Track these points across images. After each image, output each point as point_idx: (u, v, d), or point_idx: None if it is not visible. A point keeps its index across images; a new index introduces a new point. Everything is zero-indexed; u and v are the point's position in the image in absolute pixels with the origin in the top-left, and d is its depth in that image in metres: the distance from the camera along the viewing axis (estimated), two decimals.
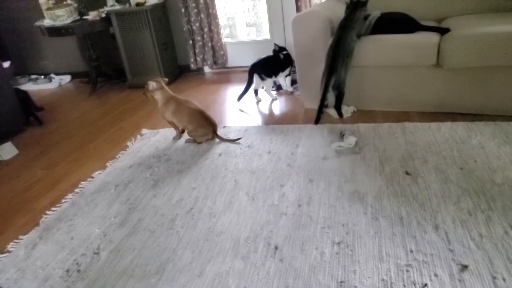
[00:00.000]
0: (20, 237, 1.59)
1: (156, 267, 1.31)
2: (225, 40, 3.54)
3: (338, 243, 1.29)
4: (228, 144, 2.13)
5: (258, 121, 2.43)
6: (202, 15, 3.32)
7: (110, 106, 3.13)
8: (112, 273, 1.31)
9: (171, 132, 2.36)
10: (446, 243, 1.23)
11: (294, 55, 2.39)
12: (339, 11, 2.37)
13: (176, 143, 2.24)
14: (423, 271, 1.14)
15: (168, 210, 1.61)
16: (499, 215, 1.31)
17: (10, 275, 1.37)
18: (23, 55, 4.25)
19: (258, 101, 2.75)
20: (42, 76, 4.11)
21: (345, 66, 2.06)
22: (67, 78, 4.12)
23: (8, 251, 1.51)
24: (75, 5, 3.36)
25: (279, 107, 2.61)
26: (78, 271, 1.34)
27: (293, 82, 2.80)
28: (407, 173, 1.62)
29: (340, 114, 2.18)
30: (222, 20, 3.52)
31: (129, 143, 2.33)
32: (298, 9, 3.13)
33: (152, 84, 2.16)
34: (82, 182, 1.95)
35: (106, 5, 3.46)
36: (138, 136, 2.41)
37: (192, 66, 3.59)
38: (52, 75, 4.13)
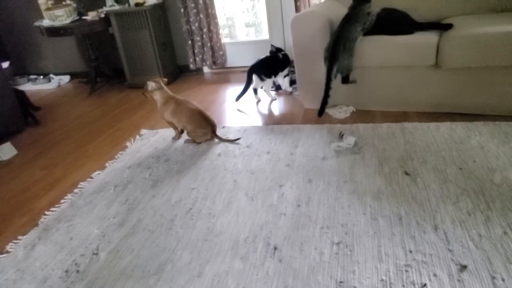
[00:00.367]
0: (19, 237, 1.59)
1: (155, 267, 1.31)
2: (224, 40, 3.55)
3: (337, 243, 1.29)
4: (227, 144, 2.13)
5: (257, 121, 2.43)
6: (201, 15, 3.33)
7: (109, 106, 3.13)
8: (111, 273, 1.31)
9: (170, 132, 2.36)
10: (445, 243, 1.23)
11: (293, 55, 2.39)
12: (338, 11, 2.37)
13: (175, 144, 2.24)
14: (422, 271, 1.14)
15: (167, 211, 1.61)
16: (498, 215, 1.31)
17: (9, 276, 1.37)
18: (22, 56, 4.25)
19: (258, 100, 2.75)
20: (41, 76, 4.11)
21: (348, 53, 2.05)
22: (66, 78, 4.12)
23: (7, 252, 1.51)
24: (74, 5, 3.36)
25: (278, 107, 2.61)
26: (77, 271, 1.34)
27: (292, 82, 2.80)
28: (406, 173, 1.62)
29: (348, 81, 2.17)
30: (221, 20, 3.52)
31: (128, 144, 2.33)
32: (297, 9, 3.13)
33: (151, 85, 2.16)
34: (81, 183, 1.94)
35: (105, 5, 3.46)
36: (137, 137, 2.41)
37: (191, 66, 3.59)
38: (51, 75, 4.13)
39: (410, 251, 1.21)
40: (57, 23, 3.24)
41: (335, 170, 1.72)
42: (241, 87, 2.71)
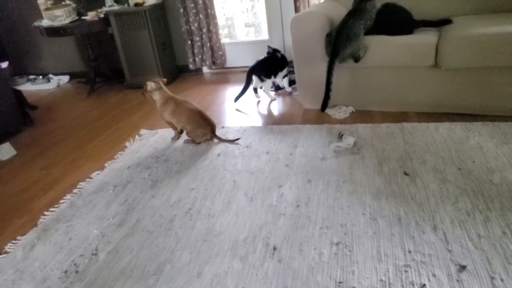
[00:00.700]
0: (18, 238, 1.58)
1: (154, 268, 1.31)
2: (224, 40, 3.55)
3: (337, 244, 1.29)
4: (226, 144, 2.13)
5: (256, 121, 2.43)
6: (200, 16, 3.32)
7: (108, 106, 3.13)
8: (110, 274, 1.31)
9: (169, 132, 2.36)
10: (444, 243, 1.23)
11: (292, 56, 2.39)
12: (338, 12, 2.38)
13: (175, 144, 2.24)
14: (421, 271, 1.14)
15: (166, 211, 1.61)
16: (497, 215, 1.31)
17: (8, 276, 1.37)
18: (22, 56, 4.24)
19: (258, 99, 2.76)
20: (41, 77, 4.10)
21: (352, 44, 2.04)
22: (66, 78, 4.12)
23: (6, 252, 1.51)
24: (74, 5, 3.35)
25: (277, 107, 2.61)
26: (76, 272, 1.34)
27: (292, 82, 2.80)
28: (406, 174, 1.62)
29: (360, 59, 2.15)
30: (220, 20, 3.52)
31: (127, 144, 2.32)
32: (296, 9, 3.13)
33: (150, 85, 2.16)
34: (80, 183, 1.94)
35: (104, 5, 3.45)
36: (137, 137, 2.41)
37: (191, 66, 3.59)
38: (50, 75, 4.12)
39: (409, 251, 1.21)
40: (56, 23, 3.23)
41: (335, 170, 1.72)
42: (240, 87, 2.71)
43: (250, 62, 2.67)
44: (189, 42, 3.48)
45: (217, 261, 1.29)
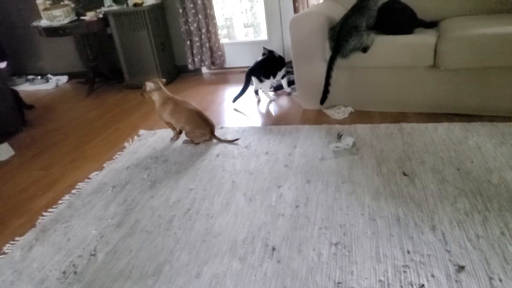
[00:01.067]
0: (16, 238, 1.58)
1: (153, 268, 1.30)
2: (223, 40, 3.55)
3: (336, 244, 1.29)
4: (225, 145, 2.13)
5: (256, 122, 2.43)
6: (200, 16, 3.32)
7: (107, 106, 3.12)
8: (108, 274, 1.31)
9: (168, 133, 2.36)
10: (443, 243, 1.23)
11: (291, 56, 2.39)
12: (337, 12, 2.38)
13: (174, 144, 2.24)
14: (420, 271, 1.14)
15: (165, 211, 1.61)
16: (496, 215, 1.32)
17: (6, 277, 1.36)
18: (20, 56, 4.23)
19: (258, 100, 2.76)
20: (39, 77, 4.09)
21: (353, 38, 2.04)
22: (64, 78, 4.11)
23: (4, 253, 1.50)
24: (73, 5, 3.35)
25: (276, 108, 2.61)
26: (75, 272, 1.34)
27: (291, 83, 2.80)
28: (404, 174, 1.62)
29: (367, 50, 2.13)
30: (219, 21, 3.52)
31: (126, 144, 2.32)
32: (295, 10, 3.13)
33: (149, 85, 2.16)
34: (79, 183, 1.94)
35: (103, 5, 3.45)
36: (136, 137, 2.41)
37: (190, 66, 3.59)
38: (49, 75, 4.11)
39: (408, 252, 1.21)
40: (55, 23, 3.23)
41: (334, 171, 1.72)
42: (239, 88, 2.71)
43: (249, 62, 2.67)
44: (188, 42, 3.48)
45: (216, 262, 1.29)
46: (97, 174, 2.01)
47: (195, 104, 2.21)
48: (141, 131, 2.48)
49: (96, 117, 2.92)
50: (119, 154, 2.20)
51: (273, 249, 1.31)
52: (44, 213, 1.72)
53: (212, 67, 3.62)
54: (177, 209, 1.61)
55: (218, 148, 2.11)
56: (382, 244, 1.26)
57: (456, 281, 1.09)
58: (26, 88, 3.96)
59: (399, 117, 2.17)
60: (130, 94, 3.36)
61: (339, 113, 2.30)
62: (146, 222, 1.56)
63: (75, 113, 3.09)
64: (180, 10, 3.35)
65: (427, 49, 1.99)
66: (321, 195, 1.56)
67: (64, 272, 1.34)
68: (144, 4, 3.26)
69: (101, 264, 1.36)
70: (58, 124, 2.87)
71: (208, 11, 3.31)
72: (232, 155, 2.00)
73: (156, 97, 2.18)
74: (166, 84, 2.25)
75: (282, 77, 2.76)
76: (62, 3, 3.40)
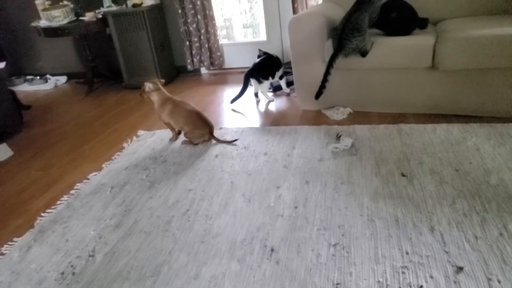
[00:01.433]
0: (15, 239, 1.58)
1: (151, 269, 1.30)
2: (222, 41, 3.55)
3: (334, 245, 1.29)
4: (224, 145, 2.13)
5: (254, 122, 2.43)
6: (199, 16, 3.32)
7: (106, 107, 3.12)
8: (107, 275, 1.30)
9: (167, 133, 2.36)
10: (442, 244, 1.23)
11: (290, 57, 2.39)
12: (336, 13, 2.38)
13: (173, 145, 2.23)
14: (418, 272, 1.14)
15: (164, 212, 1.60)
16: (494, 216, 1.32)
17: (4, 278, 1.36)
18: (19, 56, 4.23)
19: (257, 100, 2.77)
20: (38, 77, 4.09)
21: (355, 37, 2.04)
22: (63, 79, 4.11)
23: (2, 254, 1.50)
24: (72, 6, 3.35)
25: (275, 108, 2.61)
26: (73, 273, 1.33)
27: (290, 83, 2.81)
28: (403, 175, 1.63)
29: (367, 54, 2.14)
30: (219, 21, 3.52)
31: (125, 145, 2.32)
32: (294, 10, 3.13)
33: (148, 85, 2.16)
34: (77, 184, 1.94)
35: (102, 6, 3.45)
36: (134, 138, 2.40)
37: (189, 67, 3.59)
38: (48, 76, 4.11)
39: (407, 253, 1.22)
40: (54, 24, 3.23)
41: (332, 172, 1.72)
42: (238, 89, 2.71)
43: (248, 63, 2.67)
44: (187, 43, 3.48)
45: (214, 263, 1.29)
46: (95, 174, 2.01)
47: (194, 104, 2.21)
48: (140, 132, 2.48)
49: (95, 117, 2.91)
50: (118, 155, 2.20)
51: (272, 250, 1.31)
52: (42, 214, 1.72)
53: (211, 68, 3.62)
54: (176, 209, 1.61)
55: (217, 148, 2.11)
56: (381, 245, 1.26)
57: (455, 282, 1.09)
58: (25, 88, 3.96)
59: (398, 118, 2.17)
60: (129, 95, 3.36)
61: (338, 114, 2.30)
62: (145, 222, 1.55)
63: (74, 113, 3.08)
64: (179, 11, 3.35)
65: (425, 50, 1.99)
66: (320, 196, 1.56)
67: (62, 273, 1.34)
68: (143, 5, 3.26)
69: (99, 265, 1.36)
70: (56, 125, 2.87)
71: (207, 11, 3.32)
72: (231, 155, 2.00)
73: (155, 97, 2.18)
74: (165, 85, 2.25)
75: (280, 78, 2.77)
76: (61, 3, 3.40)
